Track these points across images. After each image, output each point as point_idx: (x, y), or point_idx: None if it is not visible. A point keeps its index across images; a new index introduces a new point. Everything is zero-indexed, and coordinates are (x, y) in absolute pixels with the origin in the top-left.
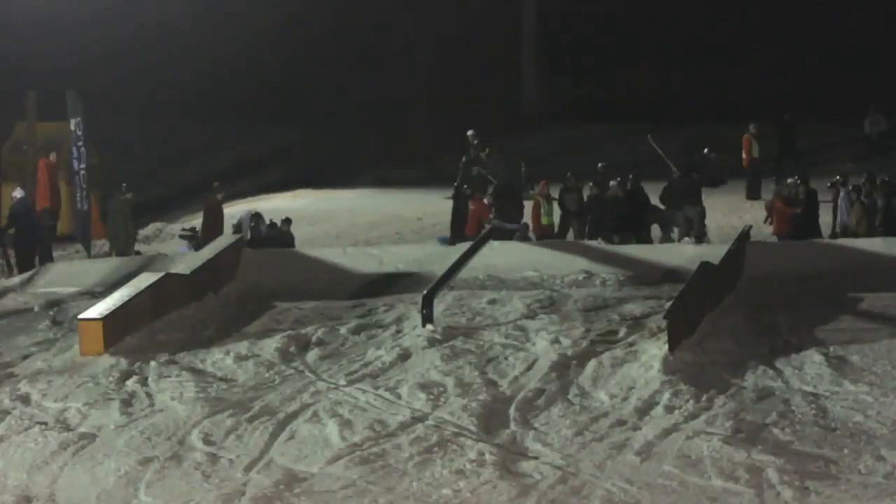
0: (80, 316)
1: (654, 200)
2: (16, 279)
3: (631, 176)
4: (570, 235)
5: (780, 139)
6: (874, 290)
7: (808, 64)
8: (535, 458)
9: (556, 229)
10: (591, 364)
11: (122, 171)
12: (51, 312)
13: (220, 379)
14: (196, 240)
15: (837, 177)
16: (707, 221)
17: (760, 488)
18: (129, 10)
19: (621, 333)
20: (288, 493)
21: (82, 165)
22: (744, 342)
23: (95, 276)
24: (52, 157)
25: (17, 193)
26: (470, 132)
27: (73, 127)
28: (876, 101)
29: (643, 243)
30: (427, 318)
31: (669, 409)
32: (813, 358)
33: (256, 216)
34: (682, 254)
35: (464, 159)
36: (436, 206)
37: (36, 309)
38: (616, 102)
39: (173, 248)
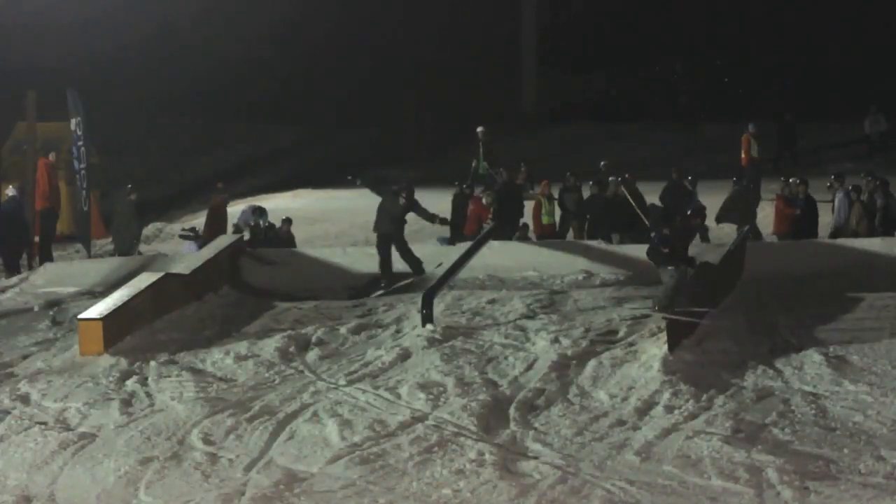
0: (80, 316)
1: (653, 200)
2: (14, 279)
3: (627, 175)
4: (570, 235)
5: (780, 139)
6: (874, 289)
7: (808, 64)
8: (535, 458)
9: (558, 229)
10: (591, 364)
11: (121, 171)
12: (51, 312)
13: (220, 379)
14: (201, 240)
15: (832, 176)
16: (707, 222)
17: (760, 488)
18: (129, 10)
19: (621, 333)
20: (288, 493)
21: (82, 165)
22: (744, 342)
23: (95, 276)
24: (52, 156)
25: (10, 192)
26: (480, 129)
27: (73, 126)
28: (876, 100)
29: (642, 243)
30: (427, 317)
31: (669, 409)
32: (813, 358)
33: (259, 211)
34: None
35: (474, 164)
36: (435, 205)
37: (36, 309)
38: (616, 102)
39: (173, 248)
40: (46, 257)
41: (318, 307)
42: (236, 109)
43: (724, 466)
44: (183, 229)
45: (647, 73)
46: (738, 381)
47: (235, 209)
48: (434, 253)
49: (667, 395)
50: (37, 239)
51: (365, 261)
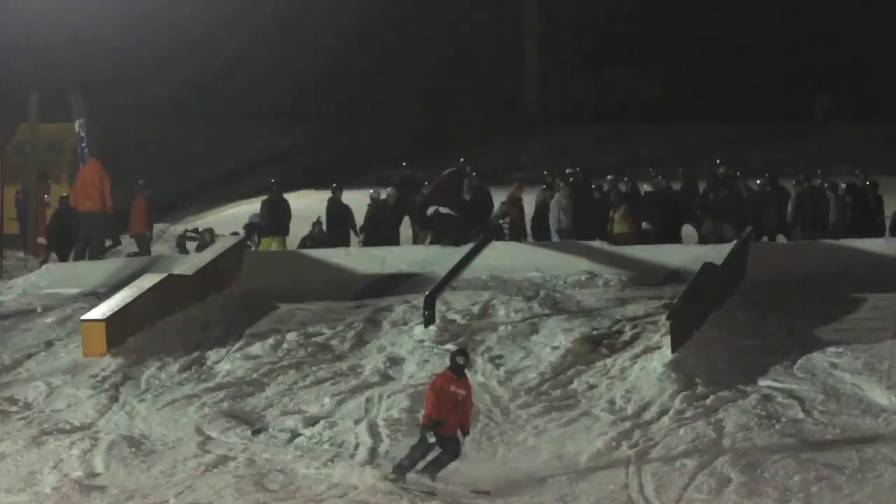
0: (83, 317)
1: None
2: (19, 279)
3: (611, 177)
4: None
5: None
6: (876, 290)
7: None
8: (535, 457)
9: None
10: (593, 364)
11: (122, 171)
12: (53, 313)
13: (222, 379)
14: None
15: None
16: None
17: (760, 488)
18: (131, 11)
19: (624, 334)
20: (284, 491)
21: None
22: (745, 342)
23: (98, 277)
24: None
25: None
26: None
27: (76, 128)
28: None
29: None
30: (429, 318)
31: (669, 409)
32: (815, 358)
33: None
34: (685, 254)
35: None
36: None
37: (39, 310)
38: (616, 102)
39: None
40: (95, 257)
41: (321, 308)
42: (238, 111)
43: (724, 466)
44: (186, 230)
45: (653, 73)
46: (741, 382)
47: (237, 210)
48: (435, 253)
49: (668, 394)
50: (40, 240)
51: (367, 262)
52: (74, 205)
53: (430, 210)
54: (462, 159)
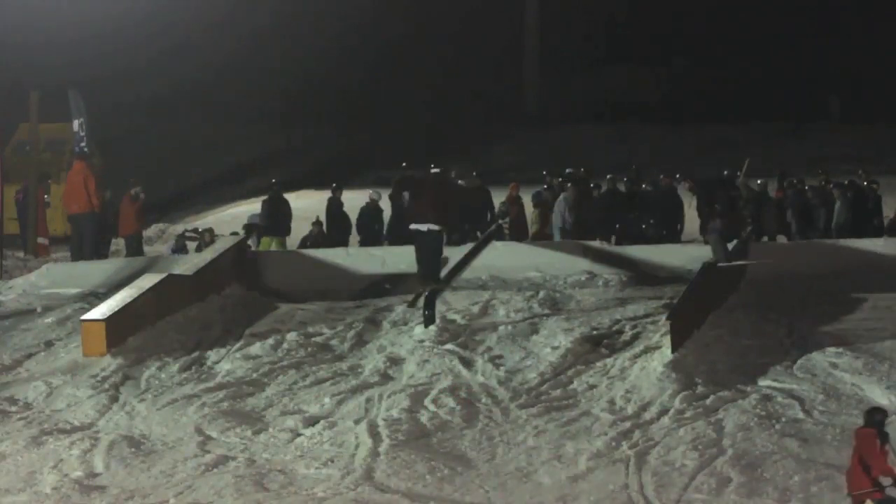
0: (83, 317)
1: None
2: (19, 279)
3: (610, 176)
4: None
5: None
6: (876, 290)
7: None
8: (535, 457)
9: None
10: (593, 364)
11: (122, 171)
12: (53, 313)
13: (222, 379)
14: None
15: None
16: None
17: (760, 488)
18: (132, 10)
19: (624, 334)
20: (284, 491)
21: None
22: (745, 342)
23: (98, 277)
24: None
25: None
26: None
27: (76, 127)
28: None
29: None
30: (429, 318)
31: (669, 409)
32: (814, 358)
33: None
34: (685, 254)
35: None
36: None
37: (38, 310)
38: (616, 102)
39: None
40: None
41: (321, 308)
42: (238, 110)
43: (724, 466)
44: (186, 230)
45: (649, 74)
46: (741, 382)
47: (237, 210)
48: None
49: (667, 394)
50: (41, 240)
51: (367, 262)
52: (65, 208)
53: (424, 227)
54: (438, 168)
